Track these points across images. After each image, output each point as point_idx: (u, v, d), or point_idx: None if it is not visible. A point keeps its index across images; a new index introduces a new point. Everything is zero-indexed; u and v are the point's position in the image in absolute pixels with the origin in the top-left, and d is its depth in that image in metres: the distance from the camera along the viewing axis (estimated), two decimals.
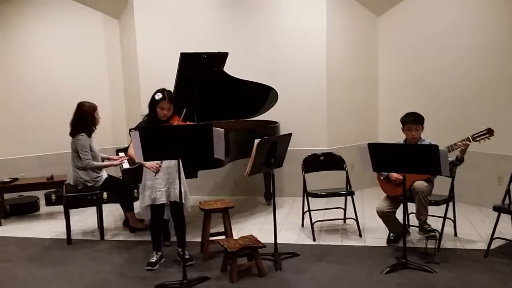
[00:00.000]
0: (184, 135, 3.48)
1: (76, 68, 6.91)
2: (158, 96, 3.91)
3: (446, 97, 5.90)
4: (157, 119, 3.96)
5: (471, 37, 5.57)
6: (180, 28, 6.49)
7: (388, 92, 6.71)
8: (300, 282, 3.69)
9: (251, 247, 3.78)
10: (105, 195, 6.21)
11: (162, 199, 3.97)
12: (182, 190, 4.02)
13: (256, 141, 3.83)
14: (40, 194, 6.27)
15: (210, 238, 4.28)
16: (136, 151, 3.50)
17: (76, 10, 6.86)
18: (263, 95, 5.76)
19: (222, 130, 3.52)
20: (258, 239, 3.92)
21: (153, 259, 4.08)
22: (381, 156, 3.81)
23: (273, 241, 4.12)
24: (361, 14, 6.56)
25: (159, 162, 3.91)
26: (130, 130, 3.80)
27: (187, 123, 4.27)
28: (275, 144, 3.98)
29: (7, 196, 6.01)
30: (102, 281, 3.83)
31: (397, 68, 6.55)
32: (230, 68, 5.39)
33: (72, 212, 5.71)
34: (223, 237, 4.37)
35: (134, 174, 4.48)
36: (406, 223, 4.67)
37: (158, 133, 3.51)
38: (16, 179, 5.83)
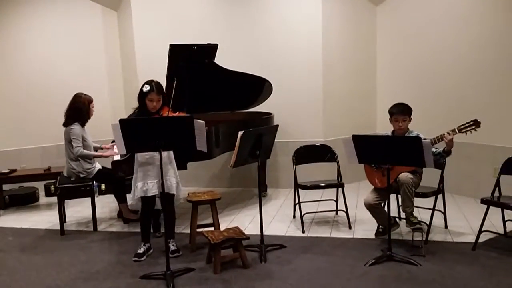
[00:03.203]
0: (165, 127, 3.48)
1: (76, 60, 6.96)
2: (146, 88, 3.91)
3: (444, 86, 5.82)
4: (147, 111, 3.96)
5: (469, 26, 5.48)
6: (176, 19, 6.50)
7: (386, 82, 6.63)
8: (283, 273, 3.70)
9: (235, 239, 3.80)
10: (103, 186, 6.33)
11: (154, 191, 3.97)
12: (175, 181, 4.06)
13: (240, 132, 3.83)
14: (41, 185, 6.37)
15: (198, 230, 4.30)
16: (117, 143, 3.52)
17: (75, 2, 6.90)
18: (258, 87, 5.74)
19: (203, 122, 3.51)
20: (247, 230, 3.94)
21: (141, 250, 4.11)
22: (365, 148, 3.79)
23: (263, 233, 4.13)
24: (359, 3, 6.48)
25: None
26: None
27: (178, 113, 4.24)
28: (260, 136, 3.96)
29: (7, 187, 6.13)
30: (90, 271, 3.88)
31: (395, 58, 6.46)
32: (226, 59, 5.38)
33: (70, 203, 5.83)
34: (211, 228, 4.40)
35: (123, 166, 4.52)
36: (397, 215, 4.66)
37: (138, 125, 3.52)
38: (14, 170, 5.91)
